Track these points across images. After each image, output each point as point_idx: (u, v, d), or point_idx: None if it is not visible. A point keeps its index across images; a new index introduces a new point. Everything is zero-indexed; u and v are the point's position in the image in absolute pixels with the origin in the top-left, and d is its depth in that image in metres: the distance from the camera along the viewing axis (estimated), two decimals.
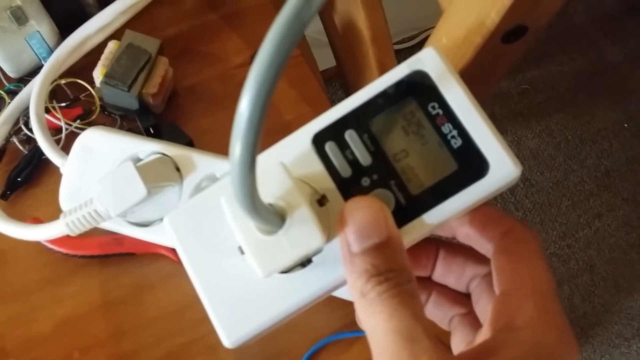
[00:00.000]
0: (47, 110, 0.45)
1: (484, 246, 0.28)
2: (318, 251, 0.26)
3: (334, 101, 0.51)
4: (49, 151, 0.41)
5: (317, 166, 0.27)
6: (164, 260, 0.43)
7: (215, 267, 0.26)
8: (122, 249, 0.42)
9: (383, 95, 0.27)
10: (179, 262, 0.43)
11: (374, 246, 0.23)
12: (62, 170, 0.40)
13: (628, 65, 1.49)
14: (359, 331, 0.42)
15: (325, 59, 0.75)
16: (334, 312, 0.43)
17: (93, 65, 0.45)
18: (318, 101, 0.49)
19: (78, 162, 0.39)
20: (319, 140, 0.27)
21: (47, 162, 0.45)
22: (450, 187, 0.26)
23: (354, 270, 0.23)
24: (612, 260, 1.32)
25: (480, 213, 0.27)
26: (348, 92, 0.65)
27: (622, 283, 1.30)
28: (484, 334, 0.25)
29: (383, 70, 0.51)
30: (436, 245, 0.31)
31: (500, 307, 0.25)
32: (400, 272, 0.23)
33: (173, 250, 0.42)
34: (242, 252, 0.26)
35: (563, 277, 1.30)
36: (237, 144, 0.18)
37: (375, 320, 0.22)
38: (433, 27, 0.40)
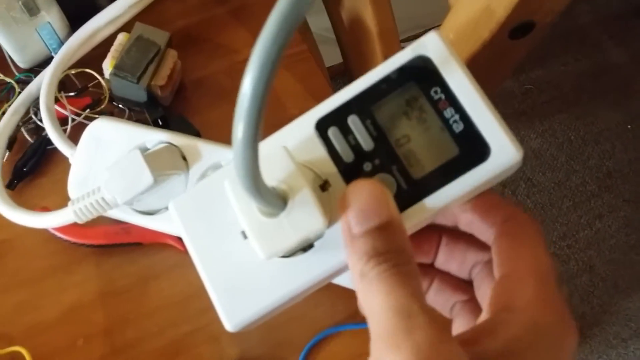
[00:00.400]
0: (56, 100, 0.45)
1: (485, 232, 0.28)
2: (320, 235, 0.26)
3: None
4: (58, 141, 0.41)
5: (320, 151, 0.27)
6: (170, 250, 0.43)
7: (219, 251, 0.27)
8: (129, 239, 0.42)
9: (386, 80, 0.27)
10: (185, 252, 0.43)
11: (375, 228, 0.23)
12: (70, 160, 0.40)
13: (632, 66, 1.49)
14: (361, 323, 0.42)
15: (330, 56, 0.75)
16: (336, 305, 0.43)
17: (102, 57, 0.45)
18: (324, 96, 0.49)
19: (87, 151, 0.39)
20: (322, 126, 0.27)
21: (53, 152, 0.45)
22: (452, 172, 0.26)
23: (354, 252, 0.24)
24: (612, 262, 1.32)
25: (481, 200, 0.28)
26: None
27: (621, 284, 1.30)
28: (483, 316, 0.25)
29: None
30: (438, 232, 0.31)
31: (500, 289, 0.25)
32: (400, 253, 0.23)
33: (180, 240, 0.43)
34: (245, 237, 0.26)
35: (562, 277, 1.30)
36: (240, 124, 0.19)
37: (374, 299, 0.22)
38: (439, 25, 0.40)
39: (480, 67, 0.35)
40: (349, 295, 0.42)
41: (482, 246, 0.29)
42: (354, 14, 0.52)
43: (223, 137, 0.42)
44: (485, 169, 0.26)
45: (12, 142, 0.45)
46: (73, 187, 0.39)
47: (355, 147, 0.27)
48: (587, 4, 1.54)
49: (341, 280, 0.39)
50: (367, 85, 0.27)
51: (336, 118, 0.27)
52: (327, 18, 0.64)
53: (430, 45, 0.27)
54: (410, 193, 0.26)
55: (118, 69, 0.43)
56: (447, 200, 0.26)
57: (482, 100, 0.26)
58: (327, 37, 0.68)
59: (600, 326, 1.27)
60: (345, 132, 0.27)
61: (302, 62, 0.51)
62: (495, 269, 0.26)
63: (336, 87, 1.18)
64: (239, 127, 0.19)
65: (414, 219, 0.26)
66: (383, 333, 0.22)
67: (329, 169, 0.27)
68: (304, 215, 0.25)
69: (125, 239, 0.42)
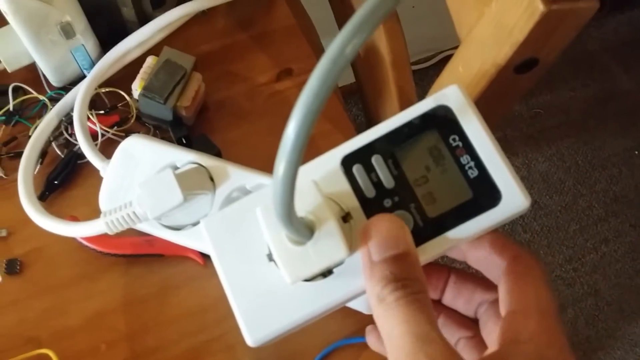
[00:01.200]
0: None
1: (493, 271, 0.30)
2: (340, 263, 0.28)
3: (349, 117, 0.54)
4: (91, 154, 0.44)
5: (344, 186, 0.29)
6: (190, 262, 0.46)
7: (244, 270, 0.29)
8: (152, 250, 0.44)
9: (409, 125, 0.30)
10: (204, 265, 0.45)
11: (393, 256, 0.26)
12: (102, 173, 0.43)
13: None
14: None
15: (343, 76, 0.78)
16: (346, 319, 0.45)
17: (129, 76, 0.48)
18: (337, 116, 0.52)
19: (119, 165, 0.42)
20: (347, 162, 0.30)
21: (83, 166, 0.48)
22: (465, 214, 0.28)
23: (373, 277, 0.26)
24: (618, 286, 1.33)
25: (489, 239, 0.30)
26: (366, 109, 0.68)
27: (626, 309, 1.31)
28: (491, 349, 0.28)
29: (402, 92, 0.53)
30: (447, 270, 0.33)
31: (507, 324, 0.27)
32: (416, 281, 0.25)
33: (199, 254, 0.45)
34: (270, 260, 0.29)
35: (568, 300, 1.31)
36: (282, 163, 0.21)
37: (393, 323, 0.25)
38: (449, 49, 0.42)
39: (487, 99, 0.38)
40: (358, 311, 0.44)
41: (490, 286, 0.31)
42: (369, 42, 0.55)
43: (242, 155, 0.45)
44: (495, 214, 0.28)
45: (43, 155, 0.48)
46: (104, 199, 0.42)
47: (377, 184, 0.29)
48: (596, 30, 1.56)
49: (351, 303, 0.42)
50: (391, 128, 0.30)
51: (361, 156, 0.30)
52: None
53: (451, 97, 0.30)
54: (425, 230, 0.29)
55: (147, 90, 0.46)
56: (458, 239, 0.28)
57: (496, 150, 0.29)
58: None
59: (605, 350, 1.28)
60: (369, 169, 0.29)
61: None
62: (501, 304, 0.28)
63: (348, 105, 1.21)
64: (281, 166, 0.21)
65: (428, 253, 0.29)
66: (404, 357, 0.24)
67: (352, 202, 0.29)
68: (329, 245, 0.27)
69: (149, 250, 0.44)
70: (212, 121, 0.51)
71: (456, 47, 0.40)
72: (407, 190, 0.29)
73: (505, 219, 0.29)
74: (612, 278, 1.33)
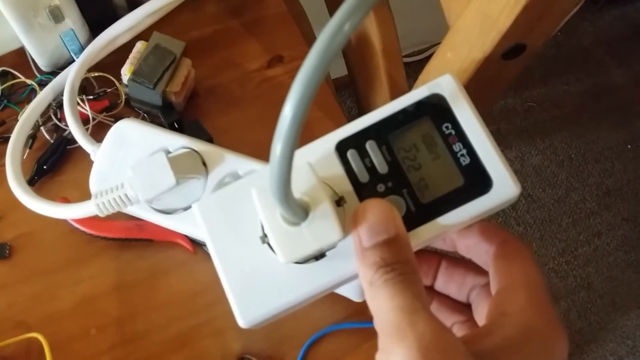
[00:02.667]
0: None
1: (482, 257, 0.31)
2: (333, 246, 0.29)
3: (342, 109, 0.54)
4: (81, 138, 0.44)
5: (338, 170, 0.30)
6: (179, 248, 0.46)
7: (236, 252, 0.29)
8: (142, 235, 0.44)
9: (403, 112, 0.30)
10: (193, 251, 0.46)
11: (383, 241, 0.26)
12: (92, 156, 0.43)
13: (634, 88, 1.51)
14: (358, 322, 0.45)
15: (336, 69, 0.78)
16: (335, 305, 0.45)
17: (119, 61, 0.48)
18: (329, 107, 0.52)
19: (111, 149, 0.42)
20: (342, 147, 0.30)
21: (72, 151, 0.48)
22: (456, 200, 0.29)
23: (364, 263, 0.26)
24: (610, 279, 1.34)
25: (478, 226, 0.31)
26: (358, 100, 0.68)
27: (618, 301, 1.32)
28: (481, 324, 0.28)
29: (392, 82, 0.53)
30: (439, 257, 0.34)
31: (496, 300, 0.28)
32: (405, 264, 0.26)
33: (189, 240, 0.45)
34: (263, 242, 0.29)
35: (561, 292, 1.31)
36: (279, 143, 0.21)
37: (380, 301, 0.25)
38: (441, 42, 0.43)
39: (476, 85, 0.38)
40: (348, 298, 0.44)
41: (480, 271, 0.32)
42: (360, 31, 0.55)
43: (232, 141, 0.45)
44: (486, 200, 0.29)
45: (33, 139, 0.48)
46: (94, 181, 0.41)
47: (371, 170, 0.29)
48: (591, 25, 1.57)
49: (342, 291, 0.42)
50: (385, 115, 0.30)
51: (355, 142, 0.30)
52: None
53: (445, 85, 0.30)
54: (417, 215, 0.29)
55: (136, 74, 0.46)
56: (449, 224, 0.29)
57: (487, 138, 0.29)
58: None
59: (597, 342, 1.29)
60: (363, 155, 0.30)
61: None
62: (492, 285, 0.29)
63: (341, 98, 1.21)
64: (278, 146, 0.21)
65: (419, 238, 0.29)
66: (389, 328, 0.24)
67: (345, 186, 0.29)
68: (324, 226, 0.27)
69: (139, 235, 0.44)
70: (202, 107, 0.51)
71: None
72: (400, 176, 0.29)
73: (496, 206, 0.29)
74: (604, 271, 1.34)
